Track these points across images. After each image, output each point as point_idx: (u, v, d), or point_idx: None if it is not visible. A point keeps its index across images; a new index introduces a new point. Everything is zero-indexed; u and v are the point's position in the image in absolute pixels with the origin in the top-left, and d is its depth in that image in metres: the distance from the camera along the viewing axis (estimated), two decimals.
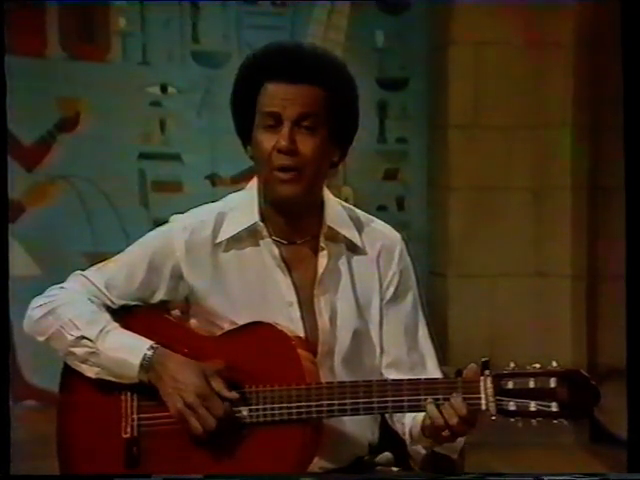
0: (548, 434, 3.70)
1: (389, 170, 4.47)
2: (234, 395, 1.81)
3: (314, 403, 1.78)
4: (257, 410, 1.81)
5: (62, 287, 1.95)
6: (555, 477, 1.64)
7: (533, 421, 1.69)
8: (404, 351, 1.92)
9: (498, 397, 1.70)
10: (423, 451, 1.85)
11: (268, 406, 1.80)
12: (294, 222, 1.89)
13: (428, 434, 1.76)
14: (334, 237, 1.91)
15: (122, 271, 1.94)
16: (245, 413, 1.81)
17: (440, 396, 1.73)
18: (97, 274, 1.95)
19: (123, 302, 1.93)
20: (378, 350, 1.92)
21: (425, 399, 1.73)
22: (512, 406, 1.69)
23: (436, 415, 1.72)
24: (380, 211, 4.26)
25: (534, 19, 4.27)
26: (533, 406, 1.68)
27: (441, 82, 4.37)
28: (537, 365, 1.70)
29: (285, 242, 1.90)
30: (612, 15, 4.21)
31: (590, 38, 4.33)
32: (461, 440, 1.82)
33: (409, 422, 1.85)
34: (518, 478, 1.68)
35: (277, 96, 1.82)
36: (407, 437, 1.87)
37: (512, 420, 1.70)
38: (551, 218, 4.38)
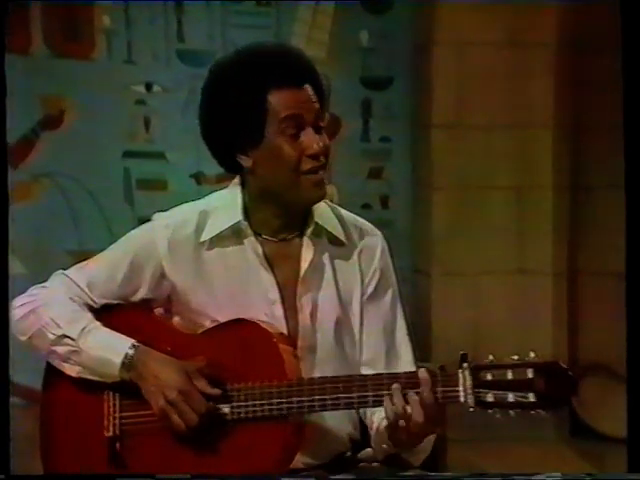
0: (529, 429, 3.72)
1: (373, 169, 4.47)
2: (216, 392, 1.81)
3: (295, 399, 1.78)
4: (239, 407, 1.80)
5: (44, 287, 1.95)
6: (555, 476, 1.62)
7: (511, 412, 1.69)
8: (381, 349, 1.92)
9: (476, 389, 1.70)
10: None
11: (250, 403, 1.80)
12: (286, 219, 1.89)
13: (389, 426, 1.75)
14: (319, 233, 1.91)
15: (104, 270, 1.93)
16: (227, 410, 1.81)
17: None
18: (79, 273, 1.94)
19: (105, 301, 1.92)
20: (358, 346, 1.93)
21: (406, 393, 1.73)
22: (490, 397, 1.69)
23: (398, 401, 1.71)
24: (364, 209, 4.26)
25: (517, 20, 4.28)
26: (511, 397, 1.68)
27: (425, 82, 4.37)
28: (515, 357, 1.70)
29: (274, 239, 1.90)
30: (594, 16, 4.26)
31: (571, 39, 4.34)
32: (425, 448, 1.81)
33: (377, 419, 1.85)
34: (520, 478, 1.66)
35: (291, 101, 1.81)
36: (373, 432, 1.88)
37: (490, 411, 1.70)
38: (533, 216, 4.39)
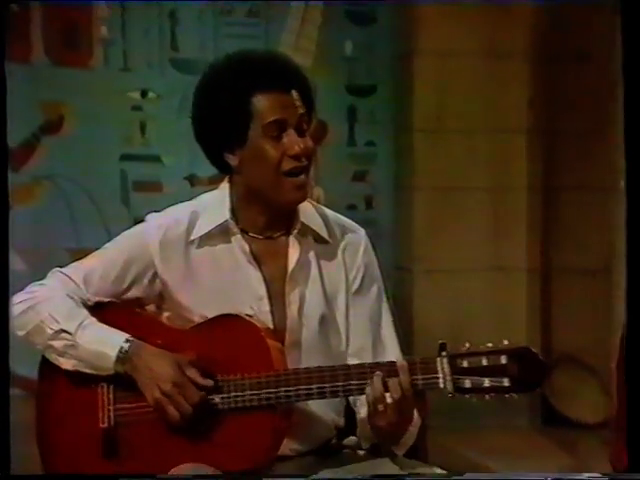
0: (505, 417, 3.73)
1: (358, 171, 4.48)
2: (208, 383, 1.80)
3: (282, 389, 1.77)
4: (229, 397, 1.79)
5: (42, 284, 1.93)
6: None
7: (487, 396, 1.69)
8: (368, 340, 1.91)
9: (454, 375, 1.69)
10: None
11: (239, 393, 1.79)
12: (272, 218, 1.88)
13: (369, 413, 1.75)
14: (305, 232, 1.90)
15: (99, 268, 1.91)
16: (218, 400, 1.80)
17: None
18: (75, 271, 1.92)
19: (99, 298, 1.91)
20: (344, 338, 1.91)
21: (386, 381, 1.72)
22: (467, 383, 1.69)
23: (378, 386, 1.70)
24: (350, 210, 4.25)
25: (493, 31, 4.29)
26: (487, 382, 1.68)
27: (407, 89, 4.38)
28: (489, 344, 1.70)
29: (260, 237, 1.88)
30: (565, 28, 4.27)
31: (544, 50, 4.36)
32: (408, 438, 1.81)
33: (362, 408, 1.84)
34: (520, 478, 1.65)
35: (276, 105, 1.81)
36: (358, 421, 1.87)
37: (467, 396, 1.69)
38: (508, 216, 4.41)
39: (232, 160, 1.85)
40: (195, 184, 4.06)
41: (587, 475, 1.56)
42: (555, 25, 4.30)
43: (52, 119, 4.08)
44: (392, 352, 1.89)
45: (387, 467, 1.83)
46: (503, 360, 1.67)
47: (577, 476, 1.59)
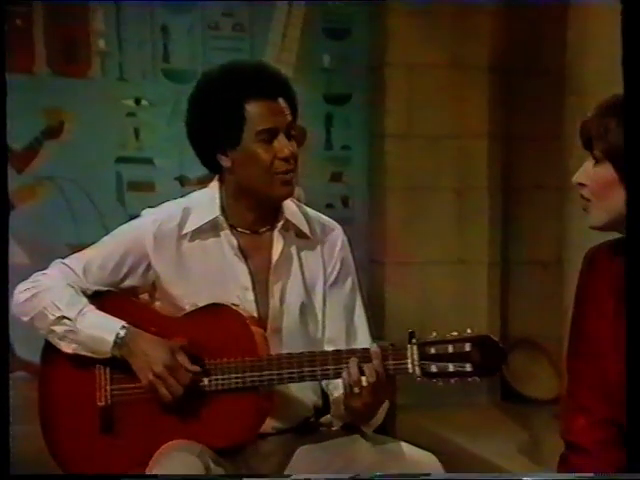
0: (467, 395, 3.74)
1: (335, 173, 4.47)
2: (197, 367, 1.79)
3: (265, 372, 1.77)
4: (216, 380, 1.79)
5: (44, 273, 1.92)
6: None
7: (451, 380, 1.69)
8: (342, 327, 1.91)
9: (422, 361, 1.70)
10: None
11: (226, 376, 1.78)
12: (260, 214, 1.87)
13: (345, 395, 1.74)
14: (288, 228, 1.89)
15: (98, 259, 1.90)
16: (206, 382, 1.80)
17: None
18: (75, 262, 1.91)
19: (97, 287, 1.90)
20: (321, 326, 1.91)
21: (361, 365, 1.72)
22: (434, 368, 1.69)
23: (354, 371, 1.70)
24: (328, 208, 4.24)
25: (457, 46, 4.29)
26: (451, 367, 1.69)
27: (379, 98, 4.37)
28: (455, 333, 1.70)
29: (248, 232, 1.88)
30: (522, 42, 4.29)
31: (502, 62, 4.37)
32: (377, 417, 1.80)
33: (335, 391, 1.84)
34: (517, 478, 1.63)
35: (267, 112, 1.80)
36: (332, 402, 1.87)
37: (434, 381, 1.70)
38: (471, 214, 4.42)
39: (224, 161, 1.84)
40: (185, 184, 4.04)
41: (575, 475, 1.55)
42: (513, 40, 4.32)
43: (53, 125, 4.05)
44: (363, 338, 1.89)
45: (359, 443, 1.83)
46: (467, 347, 1.68)
47: (568, 476, 1.58)
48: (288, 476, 1.83)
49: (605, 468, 1.62)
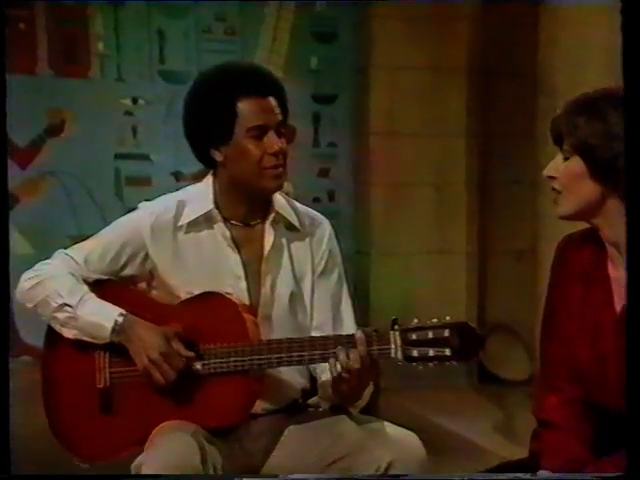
0: (446, 378, 3.75)
1: (322, 169, 4.47)
2: (190, 352, 1.78)
3: (256, 357, 1.76)
4: (209, 364, 1.78)
5: (48, 263, 1.90)
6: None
7: (431, 364, 1.69)
8: (329, 315, 1.90)
9: (404, 346, 1.69)
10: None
11: (218, 360, 1.78)
12: (251, 207, 1.87)
13: (333, 380, 1.74)
14: (278, 220, 1.89)
15: (98, 249, 1.89)
16: (199, 366, 1.79)
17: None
18: (77, 252, 1.90)
19: (97, 276, 1.89)
20: (309, 314, 1.91)
21: (348, 351, 1.71)
22: (415, 353, 1.69)
23: (342, 357, 1.70)
24: (315, 202, 4.25)
25: (437, 50, 4.30)
26: (431, 352, 1.68)
27: (364, 98, 4.37)
28: (435, 320, 1.70)
29: (240, 224, 1.87)
30: (498, 46, 4.30)
31: (479, 65, 4.38)
32: (363, 399, 1.81)
33: (323, 375, 1.83)
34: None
35: (258, 110, 1.79)
36: (319, 385, 1.87)
37: (415, 364, 1.70)
38: (450, 207, 4.44)
39: (217, 156, 1.84)
40: (180, 179, 4.04)
41: (579, 475, 1.54)
42: (489, 44, 4.33)
43: (55, 123, 4.04)
44: (349, 325, 1.89)
45: (345, 422, 1.83)
46: (446, 333, 1.67)
47: (569, 476, 1.57)
48: (280, 476, 1.81)
49: (574, 442, 1.63)
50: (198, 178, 1.96)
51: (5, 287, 1.60)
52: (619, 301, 1.60)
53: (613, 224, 1.58)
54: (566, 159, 1.59)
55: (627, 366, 1.41)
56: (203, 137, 1.84)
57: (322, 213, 1.98)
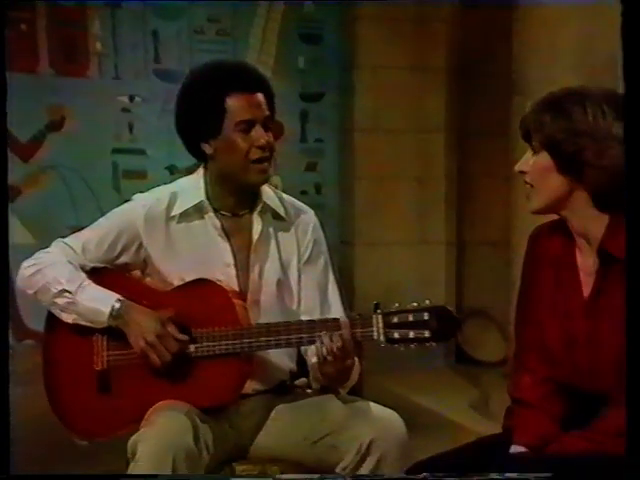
0: (425, 360, 3.76)
1: (309, 163, 4.45)
2: (184, 336, 1.78)
3: (246, 340, 1.76)
4: (202, 346, 1.78)
5: (47, 252, 1.89)
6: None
7: (412, 345, 1.69)
8: (317, 300, 1.90)
9: (386, 329, 1.69)
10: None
11: (210, 343, 1.77)
12: (240, 198, 1.86)
13: (319, 362, 1.74)
14: (266, 211, 1.88)
15: (94, 238, 1.88)
16: (192, 349, 1.78)
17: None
18: (75, 241, 1.89)
19: (94, 264, 1.88)
20: (296, 299, 1.90)
21: (332, 335, 1.71)
22: (396, 335, 1.68)
23: (327, 340, 1.70)
24: (302, 194, 4.23)
25: (417, 50, 4.29)
26: (412, 334, 1.68)
27: (349, 96, 4.36)
28: (415, 304, 1.70)
29: (229, 214, 1.86)
30: (475, 46, 4.30)
31: (458, 64, 4.37)
32: (351, 380, 1.80)
33: (314, 359, 1.82)
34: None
35: (246, 105, 1.78)
36: (310, 367, 1.86)
37: (396, 346, 1.69)
38: (430, 200, 4.44)
39: (207, 149, 1.83)
40: (174, 173, 4.02)
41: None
42: (467, 46, 4.34)
43: (55, 119, 4.01)
44: (336, 310, 1.88)
45: (332, 402, 1.83)
46: (425, 316, 1.67)
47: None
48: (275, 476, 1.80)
49: (545, 419, 1.64)
50: (191, 172, 1.95)
51: (4, 275, 1.58)
52: (586, 287, 1.61)
53: (580, 215, 1.58)
54: (535, 154, 1.60)
55: (628, 367, 1.40)
56: (194, 131, 1.83)
57: (309, 205, 1.97)
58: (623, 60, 1.39)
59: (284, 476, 1.80)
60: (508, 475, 1.47)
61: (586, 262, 1.61)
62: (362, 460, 1.73)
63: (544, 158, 1.58)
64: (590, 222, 1.58)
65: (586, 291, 1.60)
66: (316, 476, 1.77)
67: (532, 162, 1.60)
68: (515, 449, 1.63)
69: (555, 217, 1.64)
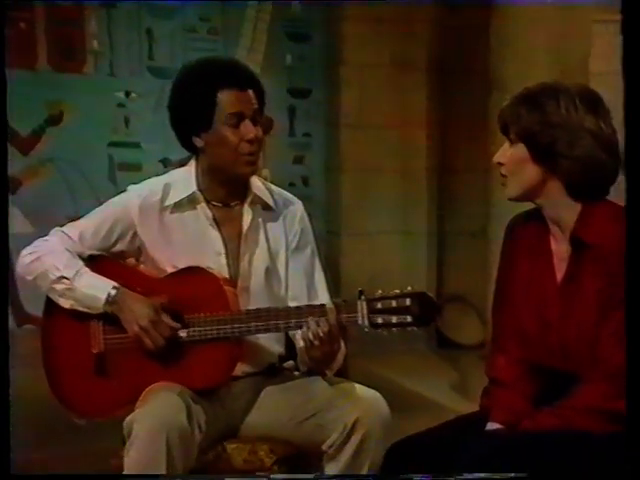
0: (407, 343, 3.78)
1: (297, 156, 4.45)
2: (176, 323, 1.77)
3: (236, 325, 1.75)
4: (193, 331, 1.77)
5: (46, 240, 1.88)
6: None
7: (394, 330, 1.69)
8: (304, 287, 1.89)
9: (370, 314, 1.68)
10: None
11: (202, 328, 1.77)
12: (230, 190, 1.85)
13: (306, 347, 1.73)
14: (255, 202, 1.87)
15: (91, 227, 1.87)
16: (184, 334, 1.78)
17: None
18: (72, 229, 1.88)
19: (91, 251, 1.87)
20: (284, 286, 1.89)
21: (318, 320, 1.70)
22: (380, 320, 1.68)
23: (313, 326, 1.70)
24: (290, 186, 4.21)
25: (399, 48, 4.28)
26: (394, 319, 1.67)
27: (335, 92, 4.35)
28: (397, 290, 1.69)
29: (220, 205, 1.85)
30: (454, 45, 4.31)
31: (439, 63, 4.37)
32: (338, 362, 1.80)
33: (302, 343, 1.82)
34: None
35: (235, 100, 1.77)
36: (298, 353, 1.86)
37: (379, 331, 1.69)
38: (413, 192, 4.44)
39: (198, 142, 1.81)
40: (167, 165, 3.99)
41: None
42: (447, 45, 4.33)
43: (54, 114, 3.99)
44: (323, 297, 1.88)
45: (318, 383, 1.82)
46: (407, 302, 1.67)
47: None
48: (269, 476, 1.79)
49: (518, 398, 1.65)
50: (184, 164, 1.94)
51: (5, 263, 1.57)
52: (560, 272, 1.62)
53: (554, 203, 1.60)
54: (511, 146, 1.61)
55: (628, 367, 1.39)
56: (185, 124, 1.82)
57: (297, 197, 1.96)
58: (623, 60, 1.38)
59: (279, 476, 1.78)
60: (478, 475, 1.46)
61: (559, 248, 1.62)
62: (347, 438, 1.73)
63: (520, 149, 1.59)
64: (563, 210, 1.59)
65: (559, 276, 1.62)
66: (311, 476, 1.75)
67: (509, 153, 1.61)
68: (491, 426, 1.64)
69: (531, 206, 1.65)
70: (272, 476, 1.77)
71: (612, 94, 1.62)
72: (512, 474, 1.46)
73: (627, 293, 1.40)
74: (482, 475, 1.47)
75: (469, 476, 1.47)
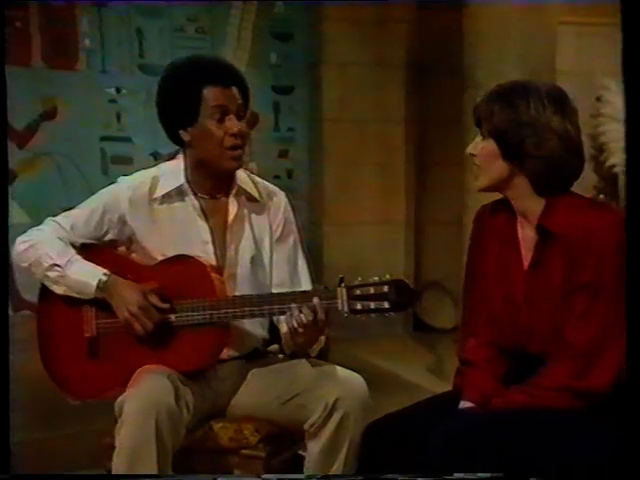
0: (385, 328, 3.79)
1: (282, 150, 4.43)
2: (165, 306, 1.77)
3: (223, 310, 1.75)
4: (181, 316, 1.77)
5: (39, 229, 1.87)
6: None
7: (372, 315, 1.69)
8: (287, 275, 1.89)
9: (350, 301, 1.68)
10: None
11: (189, 313, 1.76)
12: (216, 182, 1.84)
13: (290, 332, 1.73)
14: (240, 193, 1.86)
15: (83, 217, 1.86)
16: (173, 319, 1.77)
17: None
18: (64, 219, 1.87)
19: (83, 240, 1.86)
20: (268, 273, 1.89)
21: (301, 306, 1.70)
22: (359, 306, 1.68)
23: (296, 312, 1.69)
24: (275, 179, 4.20)
25: (379, 47, 4.26)
26: (373, 305, 1.67)
27: (317, 89, 4.34)
28: (376, 278, 1.69)
29: (207, 197, 1.84)
30: (431, 44, 4.30)
31: (416, 61, 4.36)
32: (319, 343, 1.80)
33: (285, 328, 1.81)
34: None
35: (220, 96, 1.76)
36: (282, 337, 1.86)
37: (358, 316, 1.69)
38: (392, 184, 4.44)
39: (185, 136, 1.80)
40: (158, 159, 3.96)
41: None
42: (424, 44, 4.34)
43: (48, 109, 3.94)
44: (305, 284, 1.88)
45: (301, 365, 1.83)
46: (385, 289, 1.66)
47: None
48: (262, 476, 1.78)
49: (488, 378, 1.66)
50: (173, 158, 1.93)
51: (4, 251, 1.56)
52: (526, 259, 1.63)
53: (520, 196, 1.61)
54: (483, 140, 1.62)
55: (628, 366, 1.38)
56: (172, 119, 1.81)
57: (282, 189, 1.95)
58: (623, 60, 1.36)
59: (272, 476, 1.77)
60: (458, 475, 1.46)
61: (526, 236, 1.63)
62: (328, 417, 1.73)
63: (491, 144, 1.60)
64: (529, 202, 1.61)
65: (526, 262, 1.63)
66: (302, 475, 1.74)
67: (481, 147, 1.62)
68: (463, 405, 1.65)
69: (500, 196, 1.66)
70: (264, 476, 1.76)
71: (576, 92, 1.64)
72: (510, 474, 1.46)
73: (627, 293, 1.39)
74: (480, 475, 1.45)
75: (461, 476, 1.45)
